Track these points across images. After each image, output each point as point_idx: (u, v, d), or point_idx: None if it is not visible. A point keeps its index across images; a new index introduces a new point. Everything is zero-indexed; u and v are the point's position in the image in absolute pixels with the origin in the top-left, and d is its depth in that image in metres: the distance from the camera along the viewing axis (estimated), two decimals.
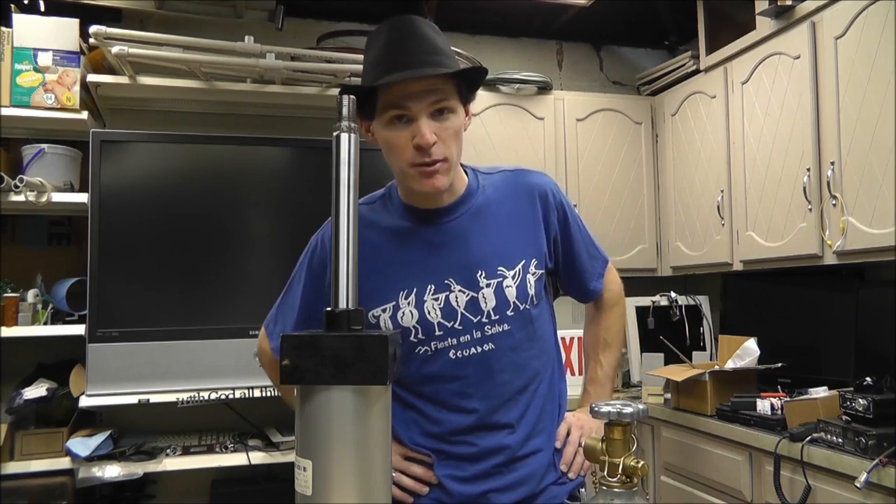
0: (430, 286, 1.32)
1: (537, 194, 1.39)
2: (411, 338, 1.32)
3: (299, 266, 1.42)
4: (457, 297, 1.32)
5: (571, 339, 3.16)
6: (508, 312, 1.33)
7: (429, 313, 1.31)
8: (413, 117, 1.21)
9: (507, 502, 1.34)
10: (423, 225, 1.34)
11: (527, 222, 1.38)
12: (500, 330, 1.33)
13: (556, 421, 1.42)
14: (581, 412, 1.45)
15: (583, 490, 1.43)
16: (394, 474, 1.34)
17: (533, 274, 1.36)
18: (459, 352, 1.32)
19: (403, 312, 1.31)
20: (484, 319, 1.32)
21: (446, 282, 1.32)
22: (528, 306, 1.35)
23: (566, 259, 1.44)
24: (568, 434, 1.41)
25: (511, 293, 1.33)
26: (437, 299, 1.31)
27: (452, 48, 1.31)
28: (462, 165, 1.38)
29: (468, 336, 1.32)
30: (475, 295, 1.32)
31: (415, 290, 1.32)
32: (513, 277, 1.34)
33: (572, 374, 3.03)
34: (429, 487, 1.35)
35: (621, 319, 1.57)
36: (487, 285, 1.32)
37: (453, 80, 1.24)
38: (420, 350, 1.32)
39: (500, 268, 1.33)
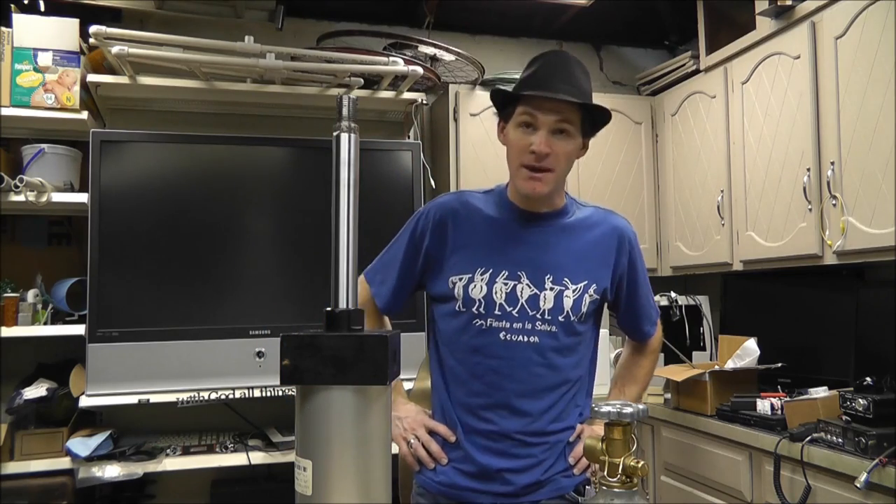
0: (504, 271, 1.50)
1: (617, 235, 1.58)
2: (474, 309, 1.50)
3: (403, 230, 1.61)
4: (522, 289, 1.50)
5: None
6: (560, 318, 1.50)
7: (495, 293, 1.49)
8: (537, 127, 1.44)
9: (518, 483, 1.49)
10: (517, 221, 1.54)
11: (600, 253, 1.56)
12: (548, 329, 1.50)
13: (574, 426, 1.55)
14: (597, 426, 1.57)
15: (588, 487, 1.55)
16: (412, 441, 1.54)
17: (590, 296, 1.53)
18: (509, 335, 1.49)
19: (475, 285, 1.50)
20: (538, 315, 1.49)
21: (518, 273, 1.50)
22: (577, 320, 1.52)
23: (628, 298, 1.62)
24: (580, 435, 1.55)
25: (568, 303, 1.50)
26: (506, 284, 1.50)
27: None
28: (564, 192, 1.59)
29: (521, 324, 1.49)
30: (538, 293, 1.50)
31: (490, 270, 1.50)
32: (573, 291, 1.51)
33: None
34: (447, 459, 1.52)
35: (654, 365, 1.76)
36: (551, 288, 1.50)
37: (579, 111, 1.45)
38: (477, 322, 1.50)
39: (566, 278, 1.51)
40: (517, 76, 3.40)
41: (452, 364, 1.54)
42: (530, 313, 1.49)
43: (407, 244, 1.58)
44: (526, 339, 1.49)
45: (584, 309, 1.51)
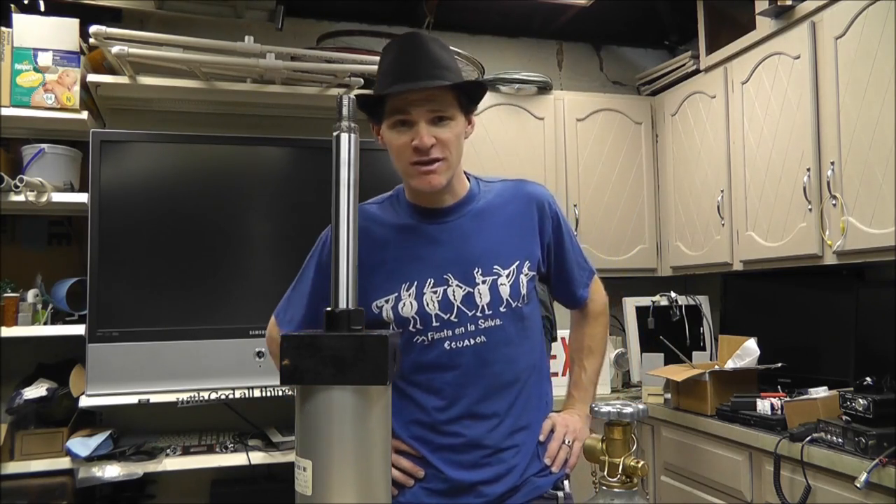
0: (429, 280, 1.40)
1: (535, 203, 1.49)
2: (410, 327, 1.40)
3: (310, 258, 1.51)
4: (454, 292, 1.40)
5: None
6: (501, 308, 1.41)
7: (427, 305, 1.40)
8: (414, 122, 1.34)
9: (493, 493, 1.42)
10: (425, 223, 1.44)
11: (523, 227, 1.47)
12: (493, 324, 1.41)
13: (541, 417, 1.49)
14: (566, 413, 1.54)
15: (566, 482, 1.50)
16: None
17: (526, 275, 1.44)
18: (454, 343, 1.40)
19: (404, 303, 1.40)
20: (478, 314, 1.40)
21: (445, 276, 1.41)
22: (519, 304, 1.43)
23: (557, 266, 1.53)
24: (553, 431, 1.48)
25: (505, 291, 1.41)
26: (435, 292, 1.40)
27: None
28: (465, 173, 1.49)
29: (462, 328, 1.40)
30: (471, 290, 1.41)
31: (416, 283, 1.40)
32: (507, 276, 1.42)
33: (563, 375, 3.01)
34: (415, 480, 1.43)
35: (605, 329, 1.65)
36: (483, 282, 1.41)
37: (453, 92, 1.36)
38: (418, 340, 1.41)
39: (495, 266, 1.42)
40: (517, 76, 3.43)
41: (403, 386, 1.43)
42: (469, 314, 1.39)
43: (314, 275, 1.46)
44: (473, 341, 1.40)
45: (523, 290, 1.42)
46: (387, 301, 1.41)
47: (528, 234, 1.47)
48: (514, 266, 1.43)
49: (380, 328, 1.40)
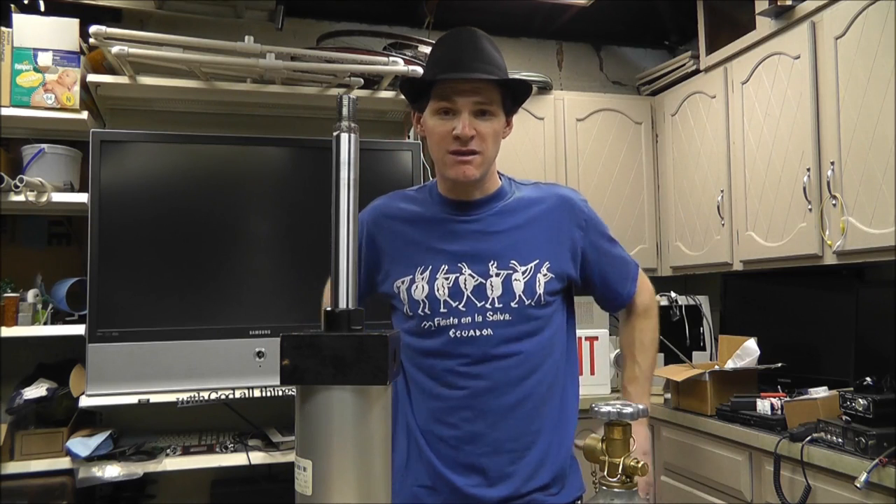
0: (443, 266, 1.43)
1: (566, 206, 1.48)
2: (419, 311, 1.43)
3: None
4: (465, 280, 1.41)
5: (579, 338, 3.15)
6: (512, 304, 1.40)
7: (437, 290, 1.42)
8: (457, 111, 1.37)
9: (489, 497, 1.39)
10: (451, 214, 1.47)
11: (549, 230, 1.46)
12: (501, 318, 1.40)
13: (557, 428, 1.44)
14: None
15: (579, 503, 1.45)
16: None
17: (544, 275, 1.42)
18: (459, 331, 1.40)
19: (417, 286, 1.43)
20: (487, 306, 1.40)
21: (459, 265, 1.42)
22: (533, 303, 1.41)
23: (598, 267, 1.50)
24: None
25: (518, 287, 1.41)
26: (447, 279, 1.42)
27: None
28: (499, 173, 1.52)
29: (469, 318, 1.40)
30: (483, 281, 1.41)
31: (430, 267, 1.43)
32: (523, 273, 1.42)
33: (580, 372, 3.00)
34: (409, 478, 1.43)
35: (655, 321, 1.61)
36: (497, 274, 1.41)
37: (498, 89, 1.39)
38: (425, 324, 1.42)
39: (512, 261, 1.42)
40: (517, 76, 3.42)
41: (413, 372, 1.45)
42: (478, 304, 1.40)
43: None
44: (478, 332, 1.39)
45: (539, 290, 1.40)
46: (403, 282, 1.45)
47: (554, 236, 1.45)
48: (532, 264, 1.42)
49: (397, 308, 1.46)
